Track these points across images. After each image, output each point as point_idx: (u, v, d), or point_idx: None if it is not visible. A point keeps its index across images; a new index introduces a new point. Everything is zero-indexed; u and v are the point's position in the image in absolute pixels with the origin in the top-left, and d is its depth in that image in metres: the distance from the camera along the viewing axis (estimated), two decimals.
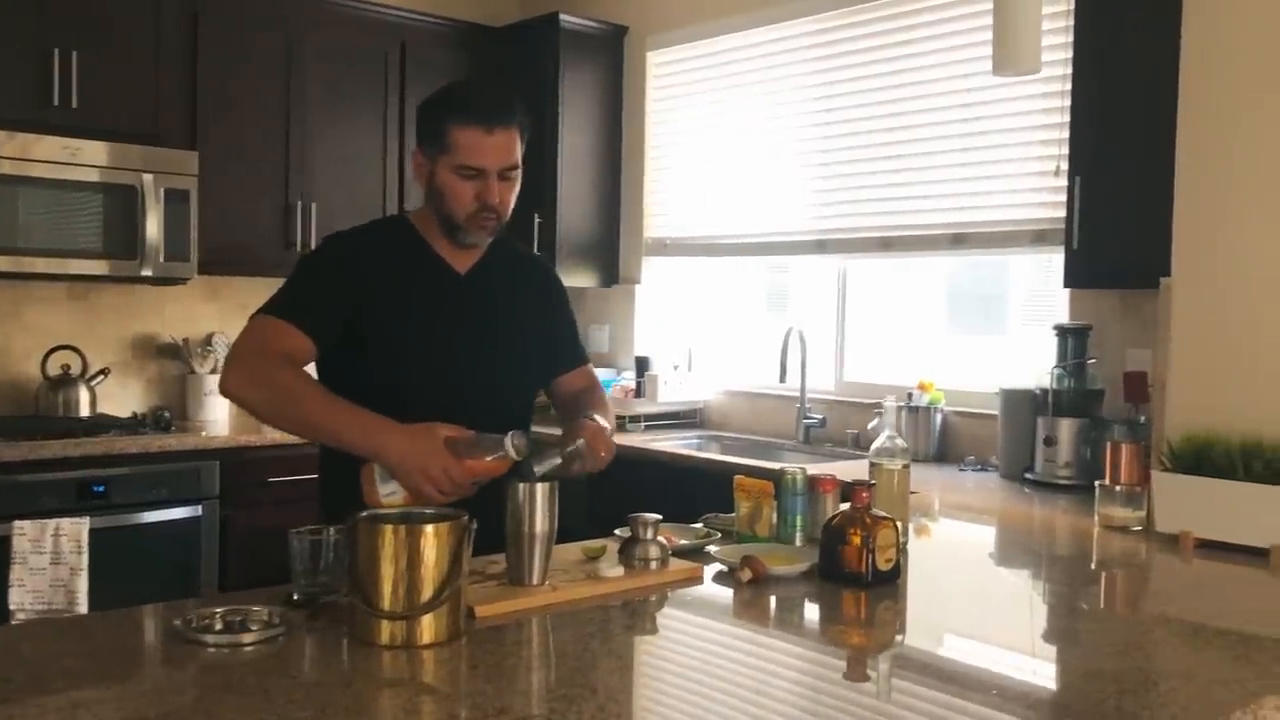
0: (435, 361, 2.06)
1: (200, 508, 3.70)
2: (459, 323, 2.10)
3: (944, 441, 3.63)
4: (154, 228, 3.81)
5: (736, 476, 2.24)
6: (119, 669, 1.44)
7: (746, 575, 1.91)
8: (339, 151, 4.31)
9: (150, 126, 3.86)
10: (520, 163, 2.06)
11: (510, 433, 1.79)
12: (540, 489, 1.79)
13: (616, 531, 2.13)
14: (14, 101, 3.60)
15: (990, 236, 3.56)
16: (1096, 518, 2.61)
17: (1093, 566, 2.39)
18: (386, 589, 1.52)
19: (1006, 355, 3.71)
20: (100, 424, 3.80)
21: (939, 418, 3.62)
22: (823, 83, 4.04)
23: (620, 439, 3.84)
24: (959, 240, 3.65)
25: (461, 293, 2.11)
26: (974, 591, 2.08)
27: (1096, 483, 2.63)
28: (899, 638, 1.79)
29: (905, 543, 2.21)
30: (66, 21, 3.67)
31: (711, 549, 2.09)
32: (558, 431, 2.05)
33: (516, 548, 1.79)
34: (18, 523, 3.29)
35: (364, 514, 1.60)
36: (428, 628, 1.53)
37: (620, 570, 1.89)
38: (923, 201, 3.74)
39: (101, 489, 3.53)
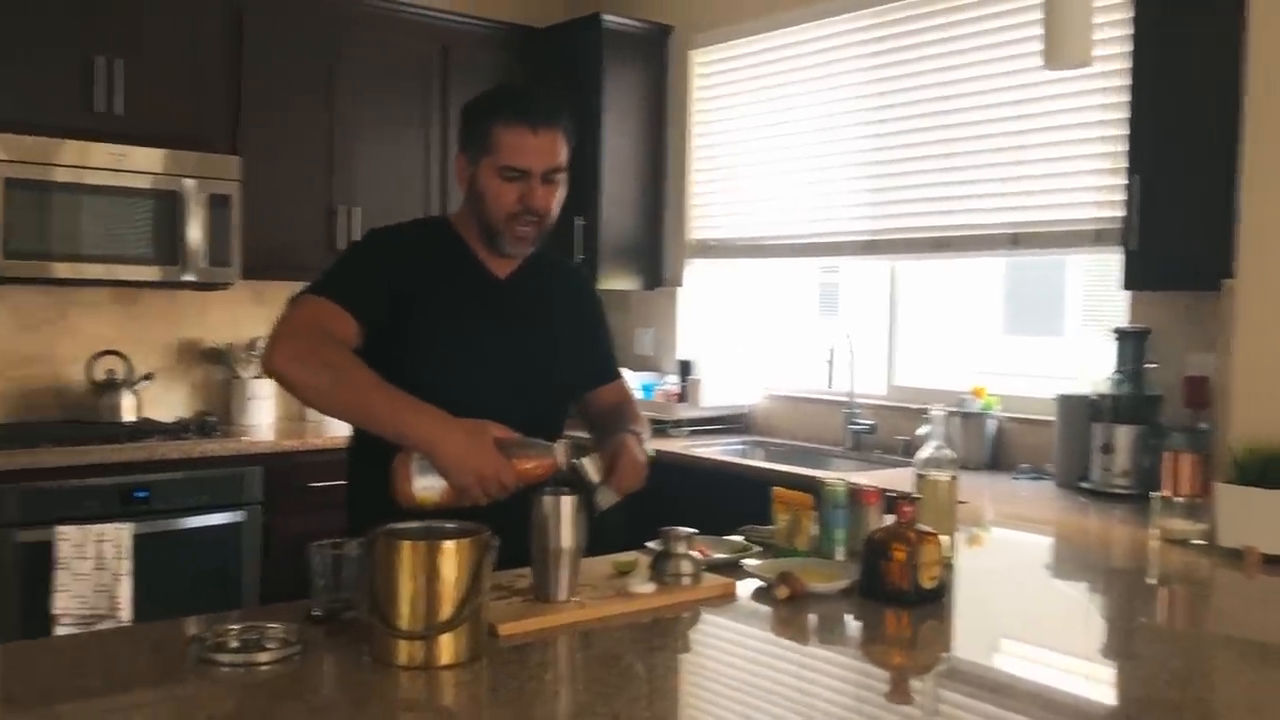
0: (472, 365, 2.01)
1: (243, 513, 3.70)
2: (497, 328, 2.05)
3: (997, 449, 3.51)
4: (196, 233, 3.81)
5: (775, 488, 2.16)
6: (130, 689, 1.40)
7: (784, 593, 1.83)
8: (382, 155, 4.29)
9: (193, 132, 3.86)
10: (565, 167, 2.00)
11: (559, 442, 1.74)
12: (566, 503, 1.73)
13: (649, 544, 2.06)
14: (60, 109, 3.62)
15: (1047, 236, 3.44)
16: (1155, 530, 2.50)
17: (1151, 581, 2.28)
18: (405, 607, 1.47)
19: (1065, 358, 3.59)
20: (144, 429, 3.80)
21: (992, 424, 3.51)
22: (872, 79, 3.94)
23: (662, 444, 3.85)
24: (1015, 241, 3.53)
25: (501, 298, 2.07)
26: (1024, 608, 1.98)
27: (1154, 494, 2.51)
28: (944, 657, 1.70)
29: (952, 558, 2.13)
30: (110, 28, 3.68)
31: (748, 564, 2.01)
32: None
33: (542, 563, 1.74)
34: (61, 528, 3.29)
35: (383, 529, 1.54)
36: (447, 648, 1.47)
37: (651, 586, 1.82)
38: (977, 201, 3.62)
39: (145, 494, 3.53)
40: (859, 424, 3.89)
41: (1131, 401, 3.02)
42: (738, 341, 4.53)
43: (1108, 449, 3.00)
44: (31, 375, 3.93)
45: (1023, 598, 2.07)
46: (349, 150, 4.22)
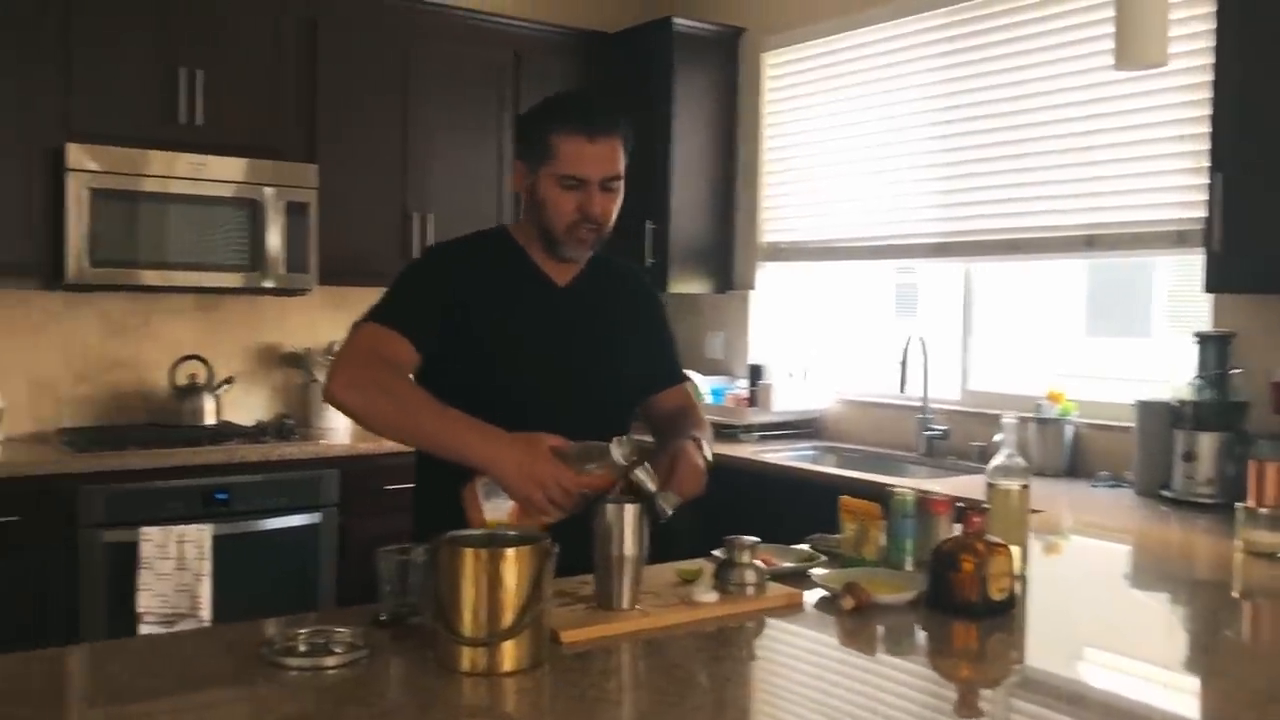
0: (533, 374, 2.02)
1: (319, 515, 3.76)
2: (558, 335, 2.06)
3: (1075, 455, 3.43)
4: (275, 240, 3.89)
5: (842, 497, 2.14)
6: (199, 690, 1.43)
7: (849, 603, 1.81)
8: (454, 161, 4.34)
9: (272, 141, 3.95)
10: (623, 174, 2.01)
11: (614, 440, 1.74)
12: (629, 511, 1.73)
13: (715, 552, 2.05)
14: (142, 120, 3.72)
15: (1125, 238, 3.36)
16: (1239, 541, 2.42)
17: (1234, 595, 2.21)
18: (467, 614, 1.48)
19: (1149, 361, 3.49)
20: (224, 432, 3.89)
21: (1070, 430, 3.43)
22: (945, 79, 3.88)
23: (731, 450, 3.84)
24: (1090, 243, 3.45)
25: (561, 305, 2.08)
26: (1100, 620, 1.92)
27: (1239, 504, 2.43)
28: (1012, 669, 1.67)
29: (1024, 569, 2.08)
30: (191, 40, 3.78)
31: (815, 573, 1.99)
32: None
33: (605, 571, 1.74)
34: (144, 529, 3.39)
35: (447, 536, 1.56)
36: (509, 654, 1.48)
37: (714, 595, 1.81)
38: (1051, 202, 3.55)
39: (224, 496, 3.61)
40: (932, 430, 3.84)
41: (1215, 408, 2.93)
42: (809, 345, 4.49)
43: (1190, 456, 2.92)
44: (119, 379, 4.05)
45: (1098, 609, 2.01)
46: (422, 157, 4.27)
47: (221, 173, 3.80)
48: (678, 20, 4.47)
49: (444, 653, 1.50)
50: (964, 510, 1.85)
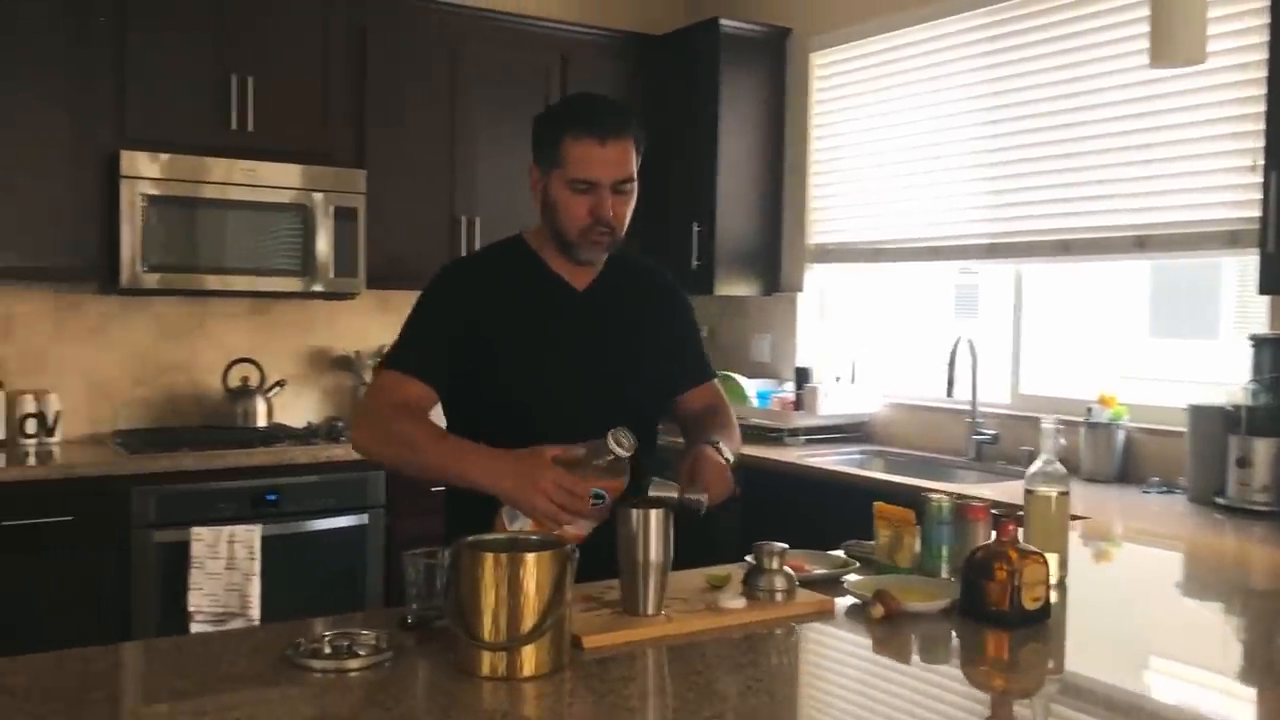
0: (555, 381, 2.02)
1: (366, 516, 3.81)
2: (578, 340, 2.06)
3: (1127, 460, 3.36)
4: (324, 245, 3.94)
5: (876, 503, 2.11)
6: (222, 691, 1.45)
7: (879, 611, 1.78)
8: (501, 164, 4.35)
9: (321, 146, 4.00)
10: (635, 176, 2.00)
11: (609, 433, 1.73)
12: (654, 516, 1.72)
13: (748, 558, 2.03)
14: (196, 127, 3.79)
15: (1177, 239, 3.28)
16: None
17: None
18: (487, 618, 1.48)
19: (1213, 364, 3.40)
20: (275, 434, 3.95)
21: (1121, 435, 3.36)
22: (993, 78, 3.82)
23: (776, 454, 3.81)
24: (1142, 243, 3.38)
25: (579, 310, 2.07)
26: (1144, 630, 1.87)
27: None
28: (1048, 681, 1.63)
29: (1063, 577, 2.04)
30: (242, 48, 3.84)
31: (850, 579, 1.97)
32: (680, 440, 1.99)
33: (630, 577, 1.73)
34: (196, 529, 3.45)
35: (468, 540, 1.56)
36: (529, 659, 1.48)
37: (742, 602, 1.79)
38: (1103, 202, 3.48)
39: (274, 497, 3.66)
40: (981, 434, 3.78)
41: (1271, 412, 2.85)
42: (857, 348, 4.44)
43: (1244, 463, 2.84)
44: (173, 382, 4.12)
45: (1144, 618, 1.96)
46: (469, 161, 4.30)
47: (272, 178, 3.86)
48: (724, 21, 4.45)
49: (464, 657, 1.51)
50: (999, 518, 1.82)
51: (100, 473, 3.43)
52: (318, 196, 3.93)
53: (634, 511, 1.73)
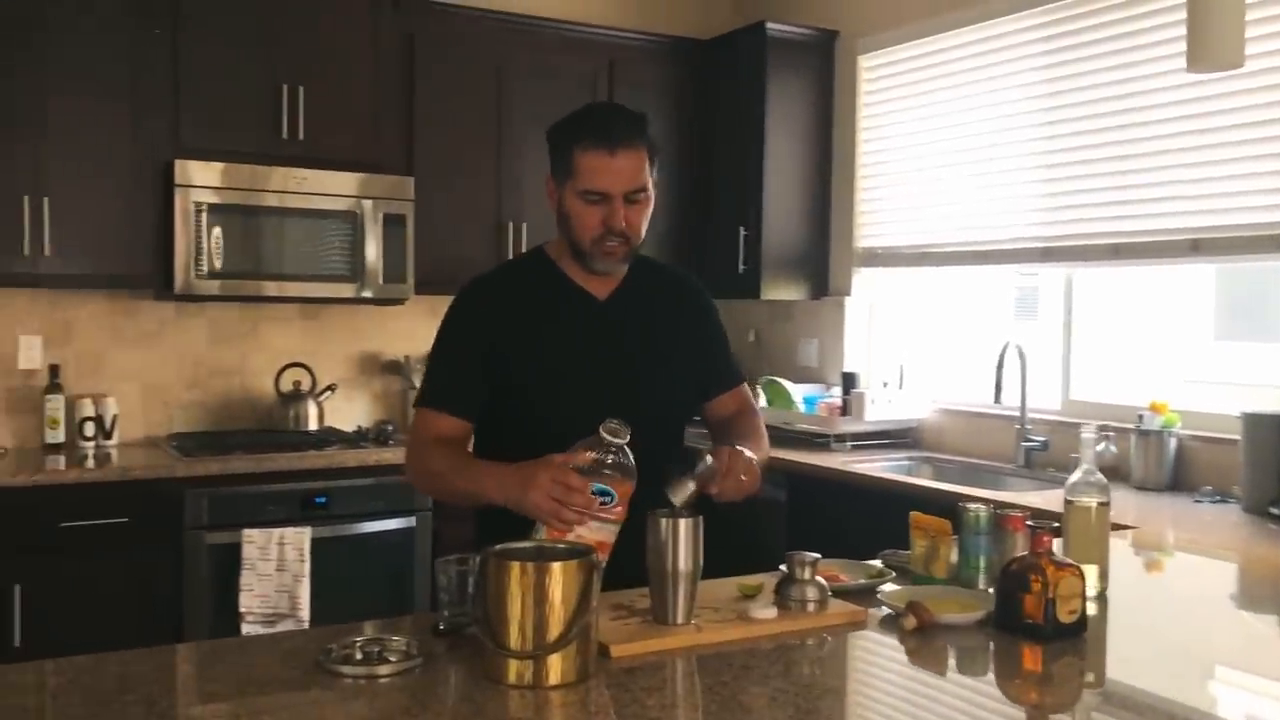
0: (577, 391, 2.03)
1: (414, 519, 3.84)
2: (601, 351, 2.06)
3: (1179, 469, 3.29)
4: (373, 251, 3.99)
5: (912, 513, 2.09)
6: (253, 696, 1.48)
7: (911, 623, 1.77)
8: (548, 171, 4.37)
9: (370, 154, 4.05)
10: (649, 185, 2.01)
11: (600, 424, 1.74)
12: (684, 525, 1.72)
13: (781, 567, 2.03)
14: (248, 136, 3.86)
15: (1233, 242, 3.21)
16: None
17: None
18: (513, 627, 1.49)
19: (1273, 369, 3.32)
20: (326, 438, 4.01)
21: (1173, 442, 3.29)
22: (1044, 80, 3.77)
23: (821, 460, 3.79)
24: (1197, 247, 3.31)
25: (602, 320, 2.08)
26: (1186, 645, 1.83)
27: None
28: (1082, 695, 1.61)
29: (1104, 589, 2.01)
30: (293, 58, 3.91)
31: (884, 590, 1.95)
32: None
33: (659, 586, 1.73)
34: (247, 531, 3.51)
35: (495, 549, 1.58)
36: (555, 668, 1.49)
37: (773, 612, 1.79)
38: (1156, 204, 3.42)
39: (323, 500, 3.72)
40: (1031, 440, 3.72)
41: None
42: (905, 353, 4.40)
43: None
44: (227, 386, 4.20)
45: (1189, 632, 1.92)
46: (516, 167, 4.33)
47: (322, 186, 3.91)
48: (771, 25, 4.44)
49: (491, 665, 1.52)
50: (1034, 529, 1.79)
51: (154, 475, 3.51)
52: (367, 204, 3.98)
53: (663, 520, 1.73)
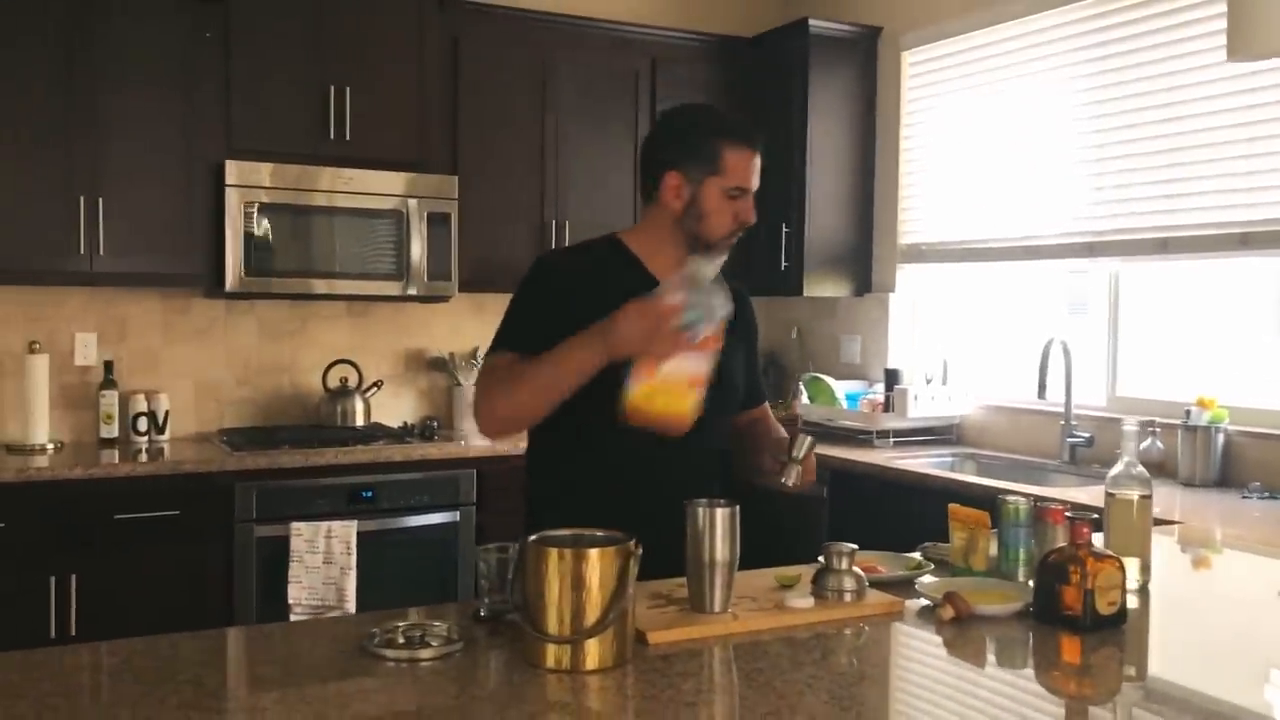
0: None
1: (458, 513, 3.89)
2: None
3: (1226, 464, 3.26)
4: (418, 250, 4.04)
5: (951, 505, 2.09)
6: (299, 680, 1.51)
7: (948, 613, 1.77)
8: (591, 169, 4.41)
9: (415, 154, 4.10)
10: None
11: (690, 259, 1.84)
12: (720, 514, 1.74)
13: (822, 559, 2.03)
14: (297, 137, 3.92)
15: None
16: None
17: None
18: (552, 612, 1.52)
19: None
20: (373, 433, 4.07)
21: (1221, 438, 3.26)
22: (1091, 73, 3.74)
23: (864, 455, 3.79)
24: (1245, 240, 3.27)
25: None
26: (1227, 638, 1.81)
27: None
28: (1121, 687, 1.60)
29: (1145, 582, 2.00)
30: (340, 59, 3.97)
31: (922, 581, 1.96)
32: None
33: (696, 574, 1.75)
34: (295, 524, 3.55)
35: (535, 536, 1.60)
36: (592, 653, 1.51)
37: (809, 601, 1.80)
38: (1204, 198, 3.38)
39: (370, 494, 3.77)
40: (1076, 436, 3.69)
41: None
42: (949, 349, 4.38)
43: None
44: (276, 382, 4.28)
45: (1230, 625, 1.90)
46: (560, 165, 4.37)
47: (369, 185, 3.97)
48: (814, 21, 4.43)
49: (530, 649, 1.55)
50: (1072, 520, 1.79)
51: (205, 469, 3.58)
52: (412, 203, 4.03)
53: (700, 509, 1.75)
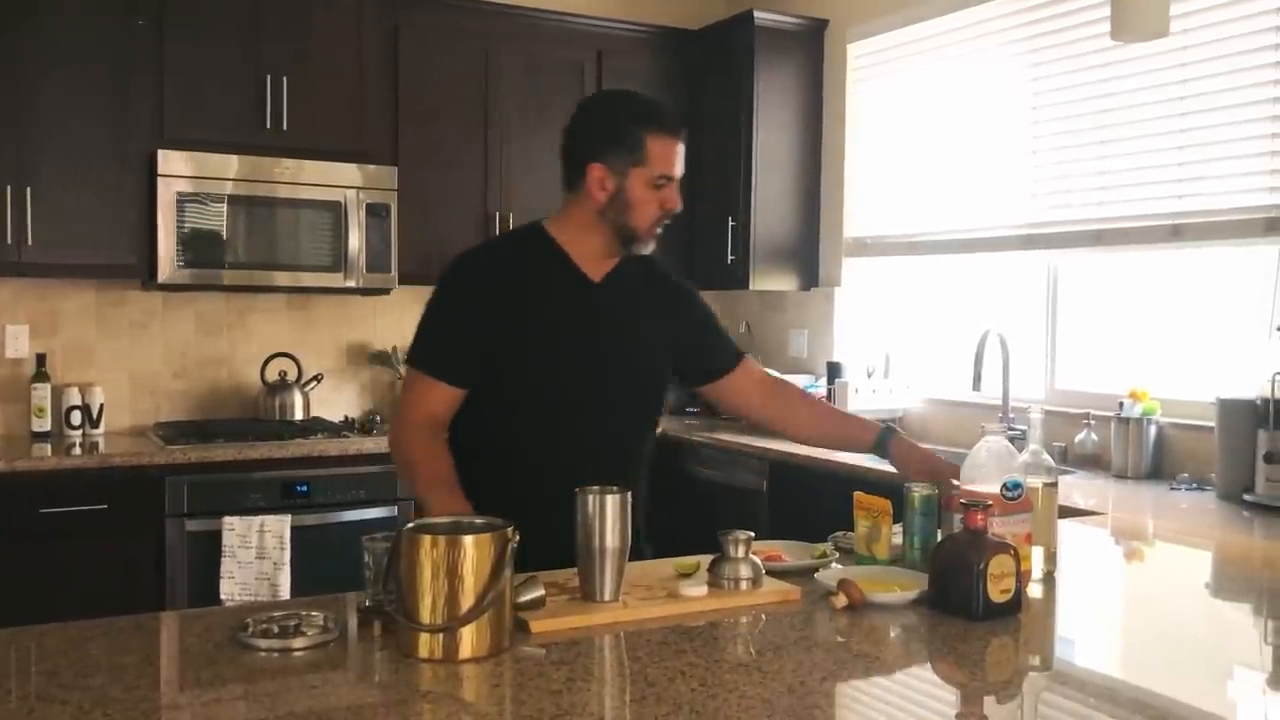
0: (572, 367, 2.06)
1: (396, 508, 3.85)
2: (594, 329, 2.10)
3: (1158, 456, 3.25)
4: (356, 241, 4.00)
5: (856, 493, 2.07)
6: (156, 670, 1.48)
7: (841, 601, 1.75)
8: (535, 160, 4.37)
9: (354, 144, 4.06)
10: None
11: None
12: (610, 501, 1.71)
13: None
14: (233, 126, 3.87)
15: (1212, 227, 3.17)
16: None
17: None
18: (425, 601, 1.49)
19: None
20: (311, 427, 4.02)
21: (1153, 430, 3.25)
22: (1027, 65, 3.73)
23: (798, 448, 3.74)
24: (1177, 232, 3.27)
25: (596, 299, 2.11)
26: (1133, 629, 1.81)
27: None
28: (1009, 679, 1.58)
29: (1050, 570, 1.98)
30: (277, 49, 3.92)
31: (833, 568, 1.94)
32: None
33: (586, 562, 1.72)
34: (227, 518, 3.52)
35: (409, 525, 1.57)
36: (466, 641, 1.48)
37: (703, 590, 1.77)
38: (1135, 189, 3.37)
39: (304, 489, 3.73)
40: (1013, 430, 3.67)
41: None
42: (892, 343, 4.36)
43: (1271, 458, 2.73)
44: (214, 376, 4.22)
45: (1139, 616, 1.90)
46: (503, 157, 4.33)
47: (307, 176, 3.93)
48: (760, 14, 4.42)
49: (404, 639, 1.51)
50: (967, 507, 1.77)
51: (135, 462, 3.53)
52: (351, 194, 3.99)
53: (590, 496, 1.72)
